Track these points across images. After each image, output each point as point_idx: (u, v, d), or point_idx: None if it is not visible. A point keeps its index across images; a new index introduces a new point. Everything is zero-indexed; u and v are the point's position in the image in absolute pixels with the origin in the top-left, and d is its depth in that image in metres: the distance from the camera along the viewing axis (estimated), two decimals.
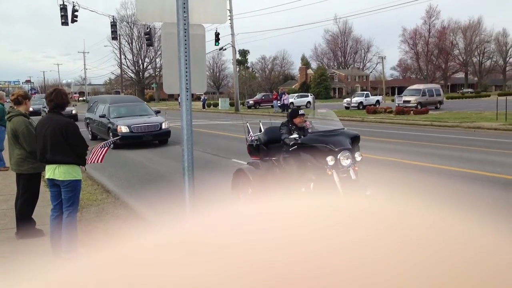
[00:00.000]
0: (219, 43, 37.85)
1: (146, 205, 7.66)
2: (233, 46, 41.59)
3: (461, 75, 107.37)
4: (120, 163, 12.33)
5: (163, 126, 15.67)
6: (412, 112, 30.28)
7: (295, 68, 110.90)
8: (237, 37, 50.64)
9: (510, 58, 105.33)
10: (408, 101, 36.19)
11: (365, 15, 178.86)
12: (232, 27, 41.32)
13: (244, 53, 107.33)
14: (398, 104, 35.99)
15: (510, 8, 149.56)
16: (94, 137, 18.13)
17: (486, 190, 7.92)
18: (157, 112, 17.28)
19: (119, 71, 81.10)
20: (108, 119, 16.01)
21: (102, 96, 25.37)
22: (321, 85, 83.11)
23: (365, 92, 49.29)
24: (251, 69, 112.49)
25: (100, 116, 16.67)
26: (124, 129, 14.94)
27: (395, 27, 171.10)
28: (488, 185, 8.32)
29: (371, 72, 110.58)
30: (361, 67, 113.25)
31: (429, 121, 23.69)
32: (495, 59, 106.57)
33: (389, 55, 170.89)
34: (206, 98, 59.36)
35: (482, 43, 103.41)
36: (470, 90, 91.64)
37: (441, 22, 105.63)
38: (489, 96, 66.23)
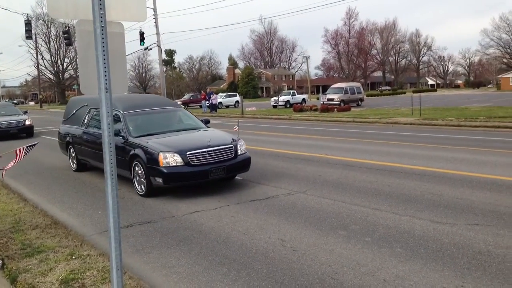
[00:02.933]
0: (144, 43, 36.83)
1: (68, 212, 7.27)
2: (159, 46, 40.66)
3: (379, 73, 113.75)
4: (40, 170, 11.59)
5: (239, 151, 8.65)
6: (335, 109, 31.49)
7: (223, 68, 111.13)
8: (163, 36, 49.88)
9: (422, 57, 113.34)
10: (332, 99, 37.66)
11: (289, 16, 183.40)
12: (157, 26, 40.38)
13: (170, 53, 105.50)
14: (323, 102, 37.31)
15: (423, 9, 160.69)
16: (82, 167, 10.91)
17: (404, 182, 8.42)
18: (207, 122, 10.13)
19: (36, 72, 76.22)
20: (126, 139, 8.66)
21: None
22: (249, 84, 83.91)
23: (291, 91, 50.49)
24: (178, 69, 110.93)
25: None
26: (172, 158, 7.77)
27: (318, 28, 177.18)
28: (404, 177, 8.85)
29: (296, 71, 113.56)
30: (287, 66, 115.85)
31: (351, 118, 24.76)
32: (409, 58, 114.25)
33: (313, 54, 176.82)
34: None
35: (398, 43, 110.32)
36: (387, 87, 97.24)
37: (360, 23, 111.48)
38: (404, 93, 70.55)
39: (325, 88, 66.09)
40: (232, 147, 8.50)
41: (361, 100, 41.54)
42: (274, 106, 43.54)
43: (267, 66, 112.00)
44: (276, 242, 5.40)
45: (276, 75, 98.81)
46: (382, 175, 9.09)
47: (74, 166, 11.23)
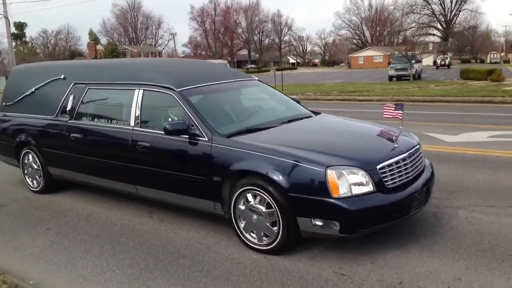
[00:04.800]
0: None
1: None
2: (6, 17, 36.24)
3: (245, 52, 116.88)
4: None
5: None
6: None
7: (83, 44, 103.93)
8: (11, 6, 44.17)
9: (284, 37, 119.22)
10: None
11: None
12: None
13: (21, 26, 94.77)
14: None
15: None
16: (53, 186, 6.34)
17: None
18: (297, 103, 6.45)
19: None
20: (208, 140, 4.30)
21: (121, 62, 6.87)
22: None
23: None
24: (30, 44, 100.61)
25: (178, 130, 4.39)
26: (356, 179, 3.73)
27: (184, 5, 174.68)
28: None
29: (163, 48, 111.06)
30: (153, 43, 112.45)
31: None
32: (272, 38, 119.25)
33: (180, 32, 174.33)
34: None
35: (261, 23, 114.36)
36: (253, 66, 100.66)
37: (225, 2, 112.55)
38: (269, 71, 73.68)
39: None
40: (420, 148, 4.72)
41: None
42: None
43: (132, 43, 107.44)
44: (143, 215, 5.31)
45: (142, 52, 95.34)
46: None
47: (36, 184, 6.39)
